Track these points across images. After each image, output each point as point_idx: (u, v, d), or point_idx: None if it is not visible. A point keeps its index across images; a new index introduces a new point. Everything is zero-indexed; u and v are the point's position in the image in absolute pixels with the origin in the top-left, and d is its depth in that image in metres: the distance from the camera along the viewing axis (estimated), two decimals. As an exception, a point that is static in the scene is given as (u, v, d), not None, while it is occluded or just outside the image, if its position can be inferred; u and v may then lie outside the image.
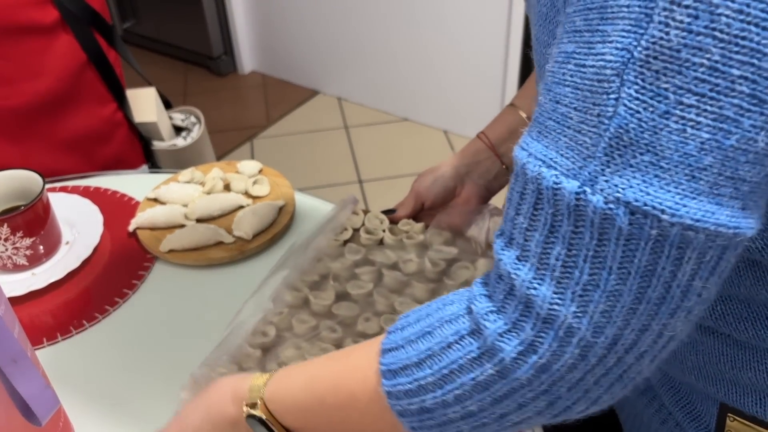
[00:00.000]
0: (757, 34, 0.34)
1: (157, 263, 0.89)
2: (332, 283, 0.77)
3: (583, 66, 0.38)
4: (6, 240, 0.82)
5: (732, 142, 0.35)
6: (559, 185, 0.38)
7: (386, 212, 0.87)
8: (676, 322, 0.40)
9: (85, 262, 0.87)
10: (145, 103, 1.41)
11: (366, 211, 0.88)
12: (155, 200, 0.97)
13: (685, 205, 0.36)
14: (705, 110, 0.35)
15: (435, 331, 0.45)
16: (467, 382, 0.43)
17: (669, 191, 0.36)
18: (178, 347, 0.77)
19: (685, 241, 0.37)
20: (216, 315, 0.78)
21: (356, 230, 0.85)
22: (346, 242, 0.84)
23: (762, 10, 0.33)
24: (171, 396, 0.70)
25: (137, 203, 0.97)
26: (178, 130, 1.52)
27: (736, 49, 0.34)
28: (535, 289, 0.40)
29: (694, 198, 0.36)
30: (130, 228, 0.92)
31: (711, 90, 0.35)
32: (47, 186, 0.86)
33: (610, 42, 0.37)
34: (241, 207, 0.95)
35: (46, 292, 0.84)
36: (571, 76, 0.39)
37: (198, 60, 2.98)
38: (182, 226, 0.92)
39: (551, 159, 0.39)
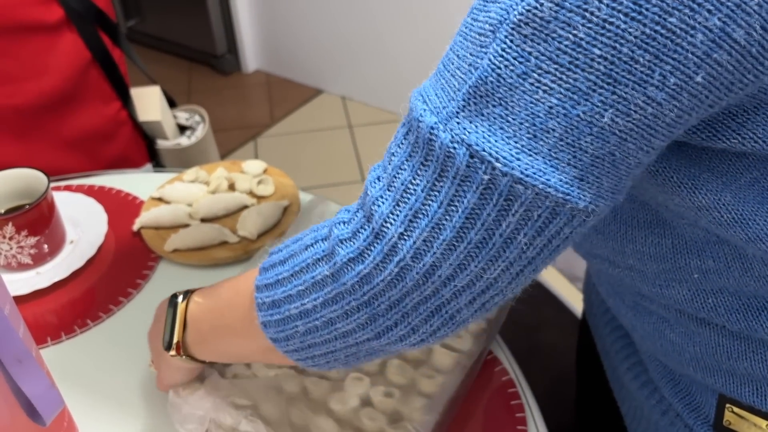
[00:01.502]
0: (624, 23, 0.36)
1: (161, 263, 0.88)
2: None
3: (476, 20, 0.41)
4: (10, 239, 0.82)
5: (578, 112, 0.38)
6: (422, 118, 0.41)
7: None
8: (495, 269, 0.42)
9: (90, 262, 0.87)
10: (149, 102, 1.41)
11: None
12: (160, 199, 0.96)
13: (519, 159, 0.39)
14: (560, 79, 0.37)
15: (303, 237, 0.51)
16: (308, 279, 0.48)
17: (508, 143, 0.39)
18: (183, 347, 0.77)
19: (513, 193, 0.39)
20: (220, 315, 0.78)
21: None
22: None
23: (633, 2, 0.35)
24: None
25: (141, 202, 0.97)
26: (182, 129, 1.52)
27: (601, 31, 0.36)
28: (378, 205, 0.43)
29: (530, 155, 0.39)
30: (135, 227, 0.92)
31: (570, 63, 0.37)
32: (52, 185, 0.86)
33: (498, 2, 0.39)
34: (246, 207, 0.95)
35: (50, 291, 0.84)
36: (465, 27, 0.42)
37: (202, 58, 2.98)
38: (187, 225, 0.91)
39: (428, 95, 0.43)
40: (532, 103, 0.38)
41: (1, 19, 1.09)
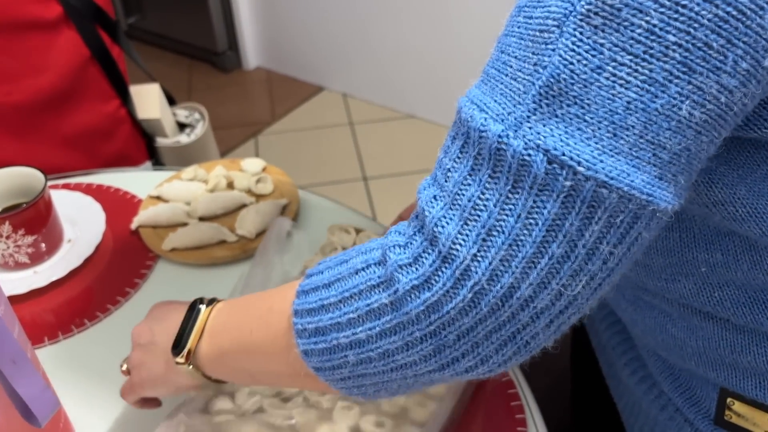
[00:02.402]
0: (698, 5, 0.34)
1: (159, 262, 0.88)
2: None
3: (530, 17, 0.39)
4: (7, 238, 0.82)
5: (657, 106, 0.36)
6: (485, 128, 0.39)
7: None
8: (577, 285, 0.39)
9: (87, 261, 0.87)
10: (148, 100, 1.41)
11: (359, 231, 0.83)
12: (158, 198, 0.96)
13: (602, 161, 0.36)
14: (636, 71, 0.36)
15: (350, 260, 0.47)
16: (362, 306, 0.44)
17: (589, 145, 0.37)
18: (180, 347, 0.76)
19: (597, 198, 0.37)
20: (218, 315, 0.77)
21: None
22: None
23: None
24: (168, 400, 0.69)
25: (140, 201, 0.96)
26: (181, 126, 1.52)
27: (675, 16, 0.35)
28: (442, 226, 0.40)
29: (612, 156, 0.37)
30: (133, 226, 0.91)
31: (645, 52, 0.35)
32: (49, 183, 0.86)
33: None
34: (245, 205, 0.94)
35: (47, 291, 0.83)
36: (518, 26, 0.40)
37: (203, 56, 2.97)
38: (185, 224, 0.91)
39: (484, 103, 0.40)
40: (609, 99, 0.36)
41: (-1, 17, 1.08)
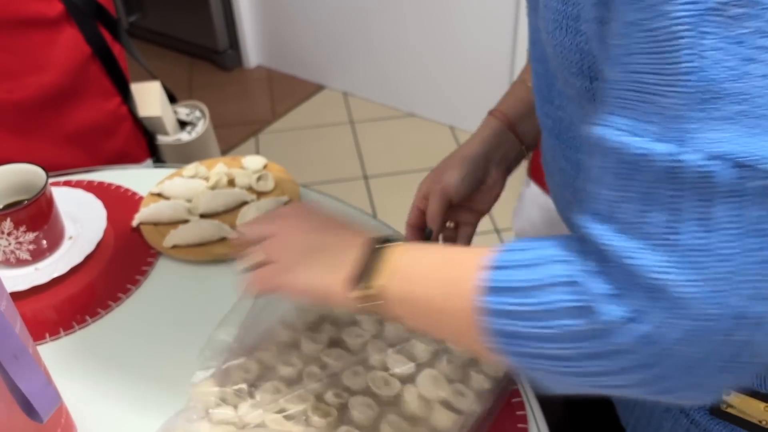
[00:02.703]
0: None
1: (160, 259, 0.88)
2: (328, 326, 0.71)
3: (651, 30, 0.37)
4: (9, 234, 0.82)
5: None
6: (649, 151, 0.37)
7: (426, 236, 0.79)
8: None
9: (89, 258, 0.87)
10: (149, 98, 1.41)
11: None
12: (159, 195, 0.96)
13: None
14: None
15: (537, 266, 0.43)
16: (561, 326, 0.42)
17: (757, 138, 0.35)
18: (181, 343, 0.76)
19: None
20: (219, 311, 0.77)
21: None
22: None
23: None
24: (174, 392, 0.69)
25: (141, 198, 0.97)
26: (182, 124, 1.52)
27: None
28: (637, 259, 0.38)
29: None
30: (134, 223, 0.91)
31: None
32: (51, 181, 0.86)
33: (673, 1, 0.36)
34: (246, 202, 0.94)
35: (49, 287, 0.83)
36: (639, 42, 0.38)
37: (203, 54, 2.98)
38: (186, 221, 0.91)
39: (634, 127, 0.39)
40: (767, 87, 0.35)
41: (0, 14, 1.08)
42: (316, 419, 0.62)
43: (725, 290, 0.37)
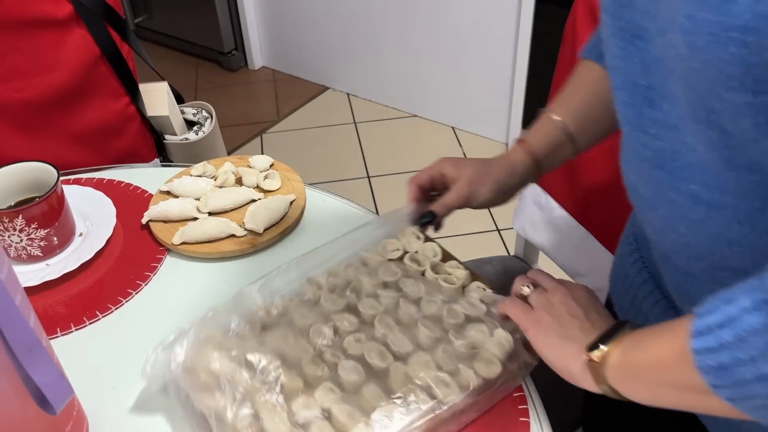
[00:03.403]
0: None
1: (169, 255, 0.89)
2: (350, 293, 0.76)
3: None
4: (21, 231, 0.83)
5: None
6: None
7: (425, 218, 0.82)
8: None
9: (99, 254, 0.88)
10: (157, 98, 1.42)
11: (429, 240, 0.84)
12: (168, 193, 0.97)
13: None
14: None
15: (736, 299, 0.45)
16: (762, 344, 0.43)
17: None
18: (190, 339, 0.77)
19: None
20: (227, 307, 0.79)
21: (406, 253, 0.82)
22: (390, 260, 0.81)
23: None
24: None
25: (150, 196, 0.98)
26: (190, 124, 1.53)
27: None
28: None
29: None
30: (144, 220, 0.93)
31: None
32: (61, 179, 0.87)
33: None
34: (253, 201, 0.95)
35: (59, 283, 0.85)
36: None
37: (209, 55, 2.99)
38: (194, 219, 0.92)
39: None
40: None
41: (10, 14, 1.10)
42: (308, 371, 0.67)
43: None
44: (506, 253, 2.00)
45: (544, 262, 1.38)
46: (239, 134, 2.59)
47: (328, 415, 0.64)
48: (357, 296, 0.76)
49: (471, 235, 2.09)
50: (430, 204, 0.83)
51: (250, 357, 0.69)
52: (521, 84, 2.31)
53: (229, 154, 2.49)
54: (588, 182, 1.15)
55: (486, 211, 2.18)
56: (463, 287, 0.78)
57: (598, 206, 1.16)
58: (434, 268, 0.80)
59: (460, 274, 0.79)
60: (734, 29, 0.43)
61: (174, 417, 0.70)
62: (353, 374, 0.67)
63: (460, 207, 0.81)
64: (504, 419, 0.69)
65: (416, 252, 0.82)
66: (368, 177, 2.35)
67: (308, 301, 0.76)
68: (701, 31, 0.45)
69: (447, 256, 0.82)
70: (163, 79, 1.46)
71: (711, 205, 0.54)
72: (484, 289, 0.77)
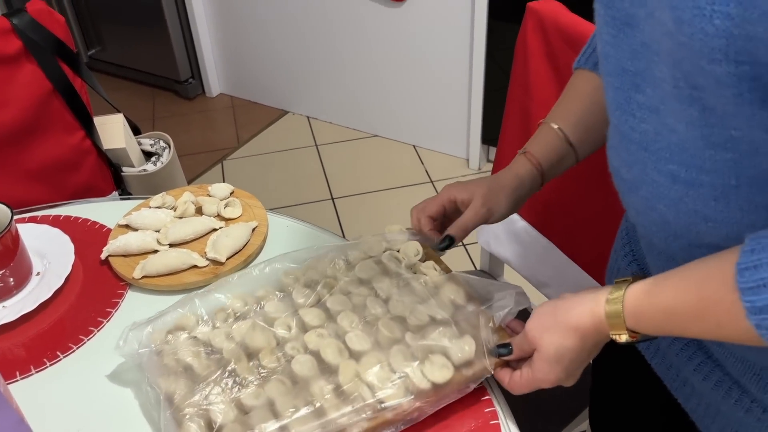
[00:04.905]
0: None
1: (130, 290, 0.88)
2: (320, 289, 0.77)
3: None
4: (-25, 274, 0.81)
5: None
6: None
7: (444, 244, 0.81)
8: None
9: (57, 293, 0.86)
10: (113, 130, 1.41)
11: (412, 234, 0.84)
12: (127, 227, 0.96)
13: None
14: None
15: None
16: None
17: None
18: (155, 374, 0.76)
19: None
20: (192, 339, 0.78)
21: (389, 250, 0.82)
22: (371, 257, 0.82)
23: None
24: (150, 426, 0.69)
25: (108, 230, 0.96)
26: (148, 155, 1.52)
27: None
28: None
29: None
30: (103, 255, 0.91)
31: None
32: (16, 217, 0.85)
33: None
34: (214, 230, 0.95)
35: (17, 325, 0.83)
36: None
37: (166, 84, 2.97)
38: (155, 251, 0.91)
39: None
40: None
41: (-42, 53, 1.08)
42: (264, 362, 0.70)
43: None
44: (473, 268, 2.01)
45: (509, 275, 1.39)
46: (199, 162, 2.57)
47: (272, 407, 0.66)
48: (329, 292, 0.77)
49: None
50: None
51: (214, 344, 0.72)
52: (478, 99, 2.33)
53: (189, 183, 2.47)
54: (547, 192, 1.16)
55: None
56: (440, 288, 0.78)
57: (558, 216, 1.17)
58: (412, 268, 0.80)
59: (434, 275, 0.79)
60: (718, 2, 0.45)
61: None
62: (305, 368, 0.69)
63: (477, 226, 0.82)
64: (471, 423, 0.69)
65: (398, 250, 0.82)
66: (332, 199, 2.35)
67: (283, 294, 0.78)
68: (687, 6, 0.48)
69: (430, 256, 0.83)
70: (118, 111, 1.45)
71: (689, 184, 0.56)
72: (458, 289, 0.77)
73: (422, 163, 2.51)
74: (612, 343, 0.76)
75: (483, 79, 2.28)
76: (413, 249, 0.82)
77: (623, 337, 0.61)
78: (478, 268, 1.42)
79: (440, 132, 2.52)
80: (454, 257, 2.09)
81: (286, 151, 2.62)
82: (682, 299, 0.55)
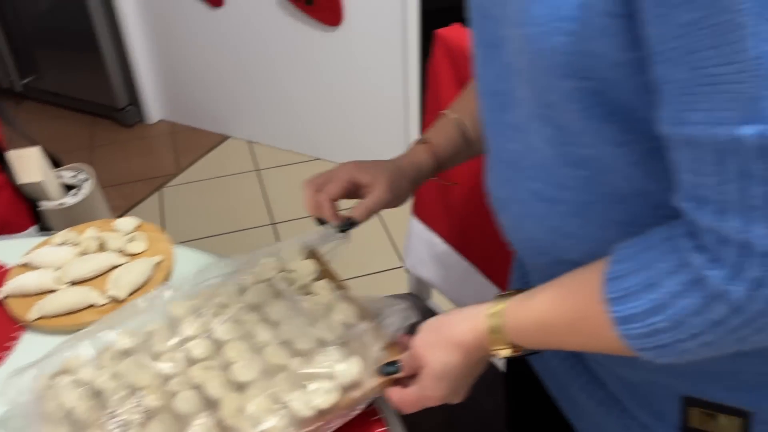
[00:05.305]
0: None
1: (27, 332, 0.85)
2: (208, 319, 0.76)
3: (713, 25, 0.40)
4: None
5: None
6: (736, 136, 0.41)
7: (346, 226, 0.81)
8: None
9: (-51, 338, 0.84)
10: (29, 164, 1.38)
11: (320, 263, 0.82)
12: (26, 266, 0.93)
13: None
14: None
15: (660, 283, 0.48)
16: (701, 322, 0.46)
17: None
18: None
19: None
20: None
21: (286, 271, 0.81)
22: (265, 280, 0.80)
23: None
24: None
25: (6, 271, 0.94)
26: (69, 188, 1.49)
27: None
28: (749, 231, 0.43)
29: None
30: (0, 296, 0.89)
31: None
32: None
33: None
34: (117, 266, 0.93)
35: None
36: (703, 39, 0.41)
37: (104, 112, 2.93)
38: (54, 290, 0.89)
39: (716, 118, 0.42)
40: None
41: None
42: (147, 401, 0.68)
43: None
44: (404, 291, 2.01)
45: (438, 298, 1.39)
46: (138, 191, 2.53)
47: None
48: (220, 320, 0.76)
49: (376, 274, 2.09)
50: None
51: (98, 385, 0.70)
52: (414, 117, 2.35)
53: (127, 211, 2.43)
54: (464, 216, 1.17)
55: (392, 248, 2.20)
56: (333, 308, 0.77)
57: (476, 239, 1.18)
58: (306, 288, 0.79)
59: (326, 295, 0.78)
60: (559, 20, 0.48)
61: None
62: (187, 405, 0.67)
63: (380, 210, 0.81)
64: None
65: (293, 271, 0.81)
66: (273, 224, 2.33)
67: (172, 325, 0.76)
68: (533, 23, 0.50)
69: (326, 274, 0.81)
70: (35, 144, 1.42)
71: (551, 201, 0.58)
72: (350, 306, 0.76)
73: (363, 184, 2.51)
74: (523, 363, 0.77)
75: (418, 97, 2.30)
76: (307, 268, 0.81)
77: (504, 352, 0.61)
78: (407, 291, 1.42)
79: (379, 151, 2.51)
80: (395, 281, 2.09)
81: (226, 177, 2.59)
82: (555, 311, 0.56)
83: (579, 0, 0.47)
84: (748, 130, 0.41)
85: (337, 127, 2.55)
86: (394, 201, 0.82)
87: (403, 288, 2.06)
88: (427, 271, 1.29)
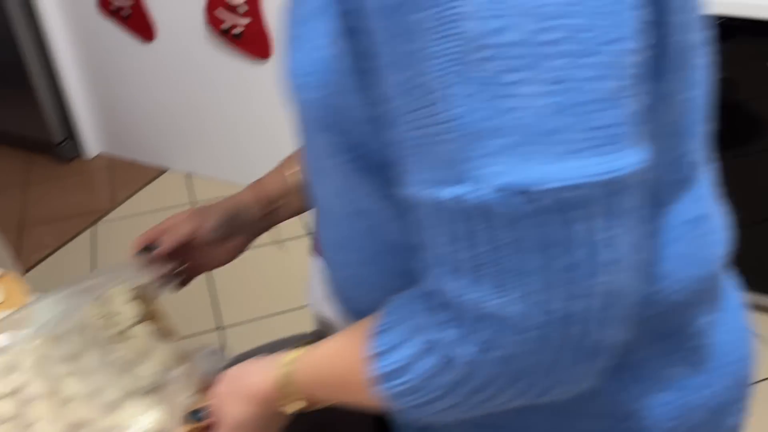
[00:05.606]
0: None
1: None
2: (16, 376, 0.72)
3: (412, 88, 0.40)
4: None
5: (568, 100, 0.38)
6: (437, 198, 0.41)
7: (146, 249, 0.82)
8: (606, 278, 0.40)
9: None
10: None
11: (147, 303, 0.80)
12: None
13: (548, 172, 0.37)
14: (527, 81, 0.37)
15: (408, 341, 0.47)
16: (439, 385, 0.46)
17: (529, 164, 0.38)
18: None
19: (562, 205, 0.38)
20: None
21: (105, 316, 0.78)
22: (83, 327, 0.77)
23: None
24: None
25: None
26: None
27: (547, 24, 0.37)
28: (465, 295, 0.42)
29: (554, 162, 0.38)
30: None
31: (525, 65, 0.37)
32: None
33: (428, 55, 0.38)
34: (-34, 321, 0.88)
35: None
36: (407, 101, 0.41)
37: (40, 148, 2.88)
38: None
39: (426, 179, 0.41)
40: (517, 116, 0.39)
41: None
42: None
43: (543, 300, 0.40)
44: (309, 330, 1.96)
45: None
46: (71, 227, 2.48)
47: None
48: (29, 376, 0.72)
49: (280, 314, 2.05)
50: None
51: None
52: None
53: (58, 249, 2.38)
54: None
55: (299, 287, 2.16)
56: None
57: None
58: (126, 332, 0.76)
59: (143, 340, 0.75)
60: (309, 74, 0.48)
61: None
62: None
63: (189, 236, 0.81)
64: None
65: (118, 314, 0.77)
66: (207, 257, 2.29)
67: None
68: (291, 74, 0.50)
69: (150, 316, 0.78)
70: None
71: (346, 249, 0.58)
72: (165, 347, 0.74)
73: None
74: None
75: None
76: (131, 312, 0.78)
77: (294, 406, 0.58)
78: (312, 329, 1.39)
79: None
80: (300, 320, 2.05)
81: (162, 211, 2.55)
82: (328, 368, 0.54)
83: (326, 55, 0.46)
84: (445, 194, 0.40)
85: (274, 156, 2.53)
86: (201, 226, 0.82)
87: (309, 326, 2.02)
88: (327, 309, 1.26)
